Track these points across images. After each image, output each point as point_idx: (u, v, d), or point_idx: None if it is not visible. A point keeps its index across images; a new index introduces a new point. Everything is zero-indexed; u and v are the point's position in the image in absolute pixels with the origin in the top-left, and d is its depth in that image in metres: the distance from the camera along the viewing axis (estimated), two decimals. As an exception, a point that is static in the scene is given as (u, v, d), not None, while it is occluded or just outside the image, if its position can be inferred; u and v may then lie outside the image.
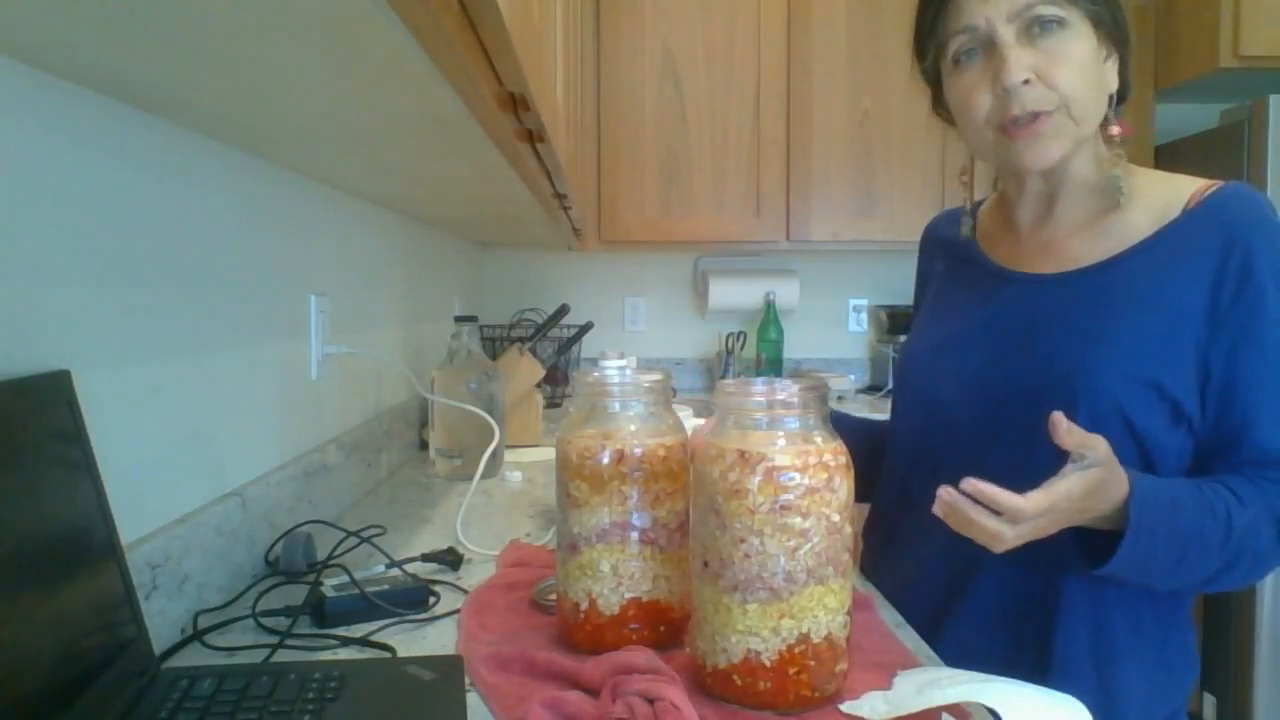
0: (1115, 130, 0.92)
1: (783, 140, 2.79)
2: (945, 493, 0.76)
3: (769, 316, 3.07)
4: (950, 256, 1.11)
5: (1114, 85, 0.92)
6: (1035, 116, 0.88)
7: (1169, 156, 2.74)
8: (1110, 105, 0.92)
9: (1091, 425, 0.85)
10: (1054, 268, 0.95)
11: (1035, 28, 0.86)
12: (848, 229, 2.78)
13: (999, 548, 0.78)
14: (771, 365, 3.05)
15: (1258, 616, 2.37)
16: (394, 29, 0.58)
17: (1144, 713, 0.91)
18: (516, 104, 0.91)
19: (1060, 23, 0.86)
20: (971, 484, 0.75)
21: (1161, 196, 0.92)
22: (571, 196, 1.72)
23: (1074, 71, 0.86)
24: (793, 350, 3.17)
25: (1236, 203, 0.88)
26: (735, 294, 3.08)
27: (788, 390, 0.73)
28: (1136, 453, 0.89)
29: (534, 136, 1.06)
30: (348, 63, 0.68)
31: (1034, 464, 0.85)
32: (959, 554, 0.90)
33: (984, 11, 0.87)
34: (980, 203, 1.13)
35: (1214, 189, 0.90)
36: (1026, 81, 0.86)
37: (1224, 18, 2.46)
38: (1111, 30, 0.90)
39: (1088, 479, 0.77)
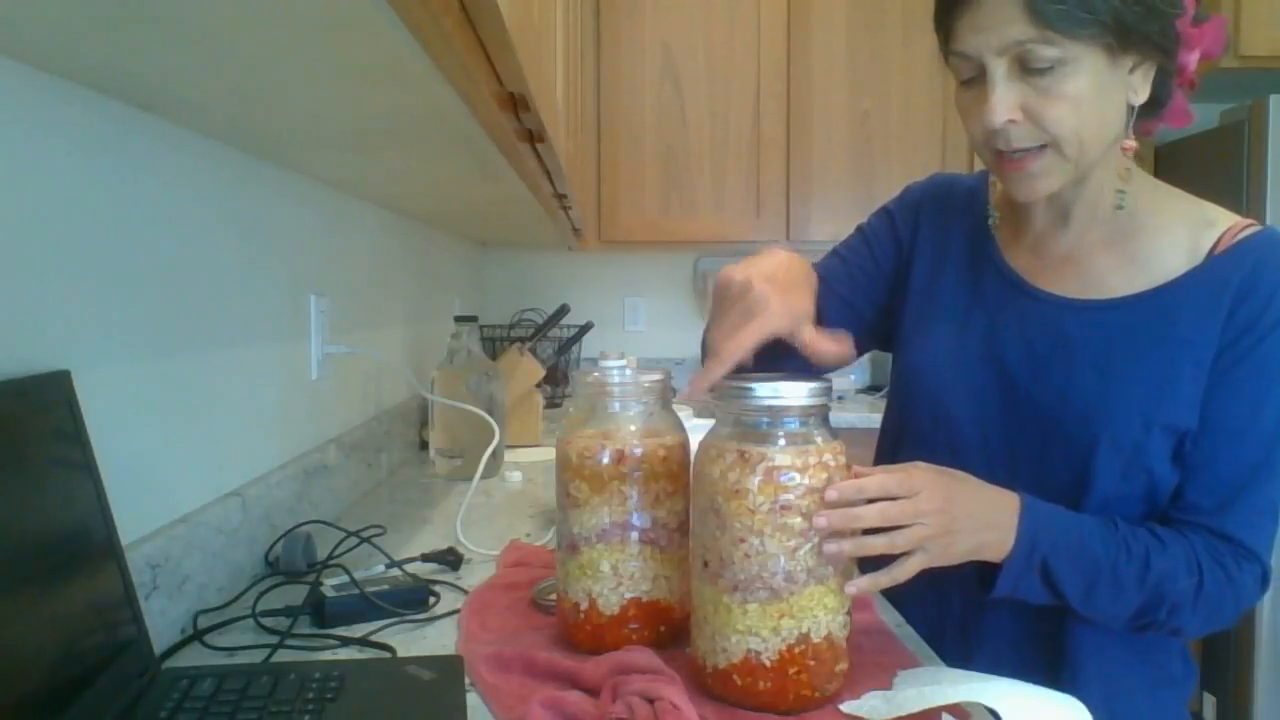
0: (1129, 143, 0.87)
1: (783, 140, 2.79)
2: (822, 519, 0.70)
3: (769, 316, 3.06)
4: (951, 233, 1.02)
5: (1141, 97, 0.84)
6: (1024, 154, 0.83)
7: (1169, 156, 2.74)
8: (1131, 117, 0.86)
9: (1106, 469, 0.86)
10: (1077, 290, 0.91)
11: (1029, 62, 0.79)
12: (848, 229, 2.75)
13: (912, 535, 0.75)
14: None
15: (1258, 617, 2.36)
16: (394, 29, 0.58)
17: None
18: (516, 104, 0.91)
19: (1058, 61, 0.79)
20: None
21: (1189, 228, 0.89)
22: (571, 196, 1.72)
23: (1066, 111, 0.80)
24: (793, 350, 3.17)
25: (1265, 252, 0.85)
26: (735, 294, 3.07)
27: (788, 389, 0.73)
28: (1142, 494, 0.88)
29: (534, 136, 1.06)
30: (348, 63, 0.68)
31: (1048, 493, 0.85)
32: (974, 576, 0.89)
33: (975, 42, 0.81)
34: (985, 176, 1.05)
35: (1247, 233, 0.87)
36: (1012, 121, 0.82)
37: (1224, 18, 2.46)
38: (1137, 41, 0.80)
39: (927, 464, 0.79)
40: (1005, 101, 0.81)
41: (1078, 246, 0.93)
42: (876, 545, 0.73)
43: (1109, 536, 0.83)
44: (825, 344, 0.81)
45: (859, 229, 1.13)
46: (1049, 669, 0.90)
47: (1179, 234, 0.89)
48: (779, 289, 0.80)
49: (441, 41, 0.62)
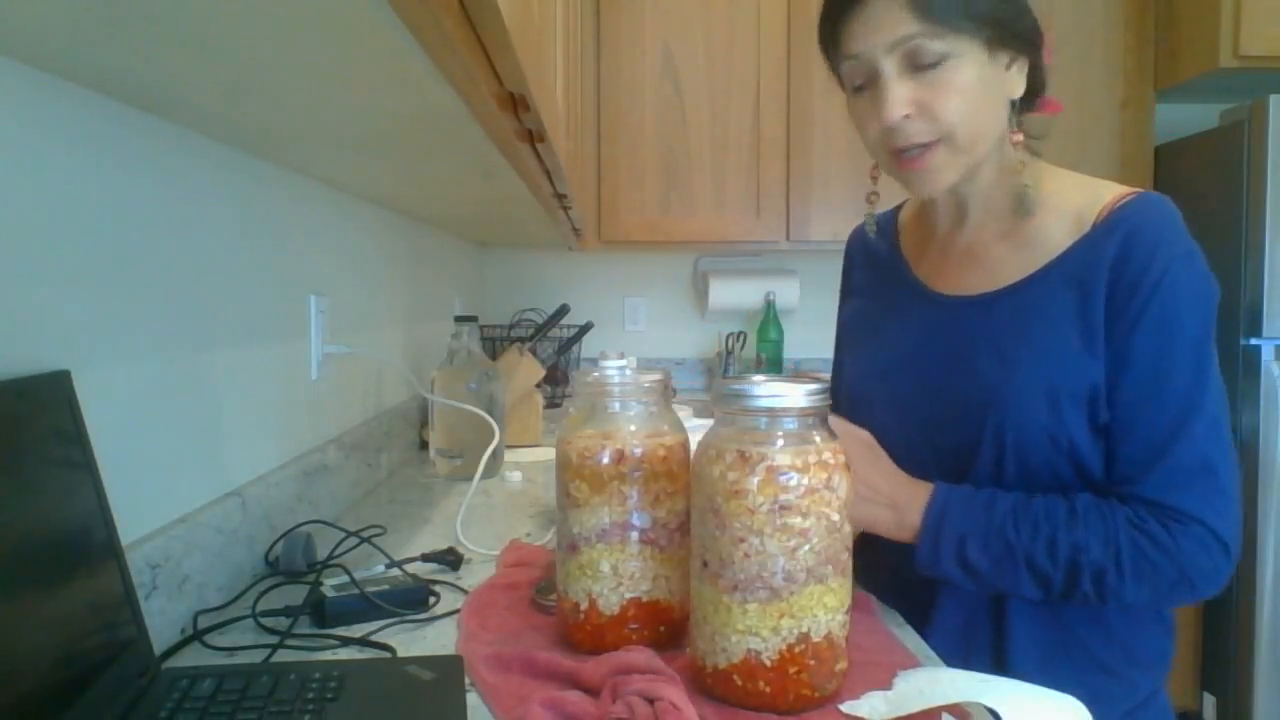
0: (1018, 138, 0.90)
1: (783, 140, 2.79)
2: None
3: (769, 316, 3.07)
4: (875, 268, 1.10)
5: (1018, 91, 0.89)
6: (921, 150, 0.88)
7: (1169, 156, 2.74)
8: (1012, 112, 0.90)
9: (1018, 448, 0.88)
10: (975, 285, 0.95)
11: (918, 58, 0.84)
12: (848, 229, 2.74)
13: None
14: (771, 365, 3.05)
15: (1258, 616, 2.37)
16: (394, 29, 0.58)
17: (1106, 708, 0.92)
18: (516, 104, 0.91)
19: (945, 55, 0.84)
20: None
21: (1077, 205, 0.90)
22: (571, 196, 1.72)
23: (957, 103, 0.85)
24: (793, 350, 3.17)
25: (1139, 215, 0.86)
26: (735, 294, 3.08)
27: (788, 389, 0.73)
28: (1070, 469, 0.89)
29: (534, 136, 1.06)
30: (348, 63, 0.68)
31: (976, 487, 0.90)
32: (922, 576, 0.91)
33: (866, 42, 0.86)
34: (902, 205, 1.14)
35: (1125, 200, 0.88)
36: (907, 116, 0.86)
37: (1224, 18, 2.46)
38: (1010, 38, 0.86)
39: None
40: (900, 97, 0.86)
41: (976, 241, 0.97)
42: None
43: (1021, 515, 0.86)
44: None
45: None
46: (993, 656, 0.93)
47: (1068, 211, 0.91)
48: None
49: (441, 41, 0.61)
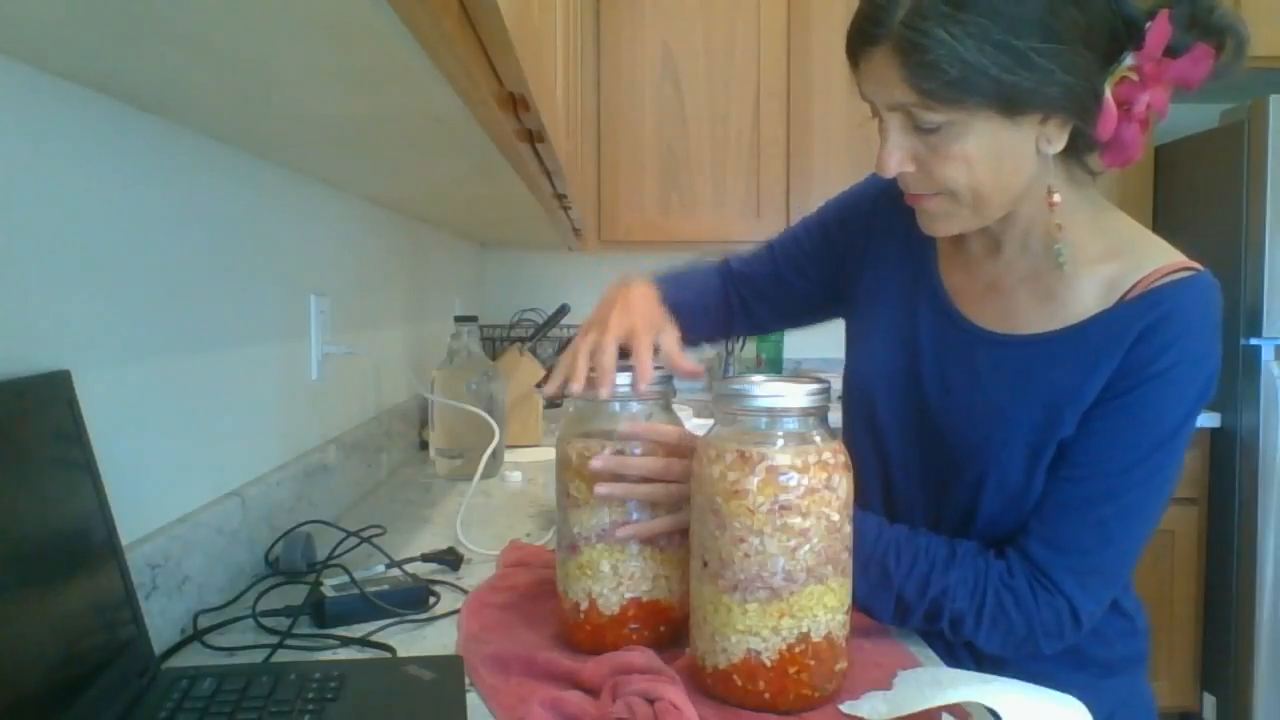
0: (1056, 199, 0.83)
1: (783, 140, 2.79)
2: (598, 461, 0.80)
3: (769, 316, 3.06)
4: (908, 245, 1.00)
5: (1055, 147, 0.80)
6: (919, 195, 0.84)
7: (1169, 157, 2.74)
8: (1063, 162, 0.84)
9: (995, 498, 0.88)
10: (995, 320, 0.91)
11: (917, 121, 0.78)
12: (848, 229, 2.77)
13: (666, 491, 0.81)
14: (771, 365, 3.05)
15: (1258, 616, 2.37)
16: (394, 29, 0.58)
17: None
18: (516, 104, 0.91)
19: (945, 124, 0.77)
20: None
21: (1112, 271, 0.85)
22: (571, 196, 1.72)
23: (956, 169, 0.79)
24: (793, 350, 3.17)
25: (1179, 300, 0.81)
26: (735, 294, 3.07)
27: (788, 389, 0.73)
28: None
29: (534, 136, 1.06)
30: (348, 63, 0.68)
31: (948, 511, 0.92)
32: None
33: (870, 92, 0.81)
34: None
35: (1172, 279, 0.82)
36: (905, 170, 0.82)
37: (1224, 18, 2.45)
38: (1036, 103, 0.76)
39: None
40: (895, 155, 0.81)
41: (1004, 276, 0.92)
42: (635, 492, 0.80)
43: (904, 547, 0.86)
44: (684, 362, 0.90)
45: (820, 211, 1.14)
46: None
47: (1103, 272, 0.86)
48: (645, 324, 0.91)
49: (441, 42, 0.61)
